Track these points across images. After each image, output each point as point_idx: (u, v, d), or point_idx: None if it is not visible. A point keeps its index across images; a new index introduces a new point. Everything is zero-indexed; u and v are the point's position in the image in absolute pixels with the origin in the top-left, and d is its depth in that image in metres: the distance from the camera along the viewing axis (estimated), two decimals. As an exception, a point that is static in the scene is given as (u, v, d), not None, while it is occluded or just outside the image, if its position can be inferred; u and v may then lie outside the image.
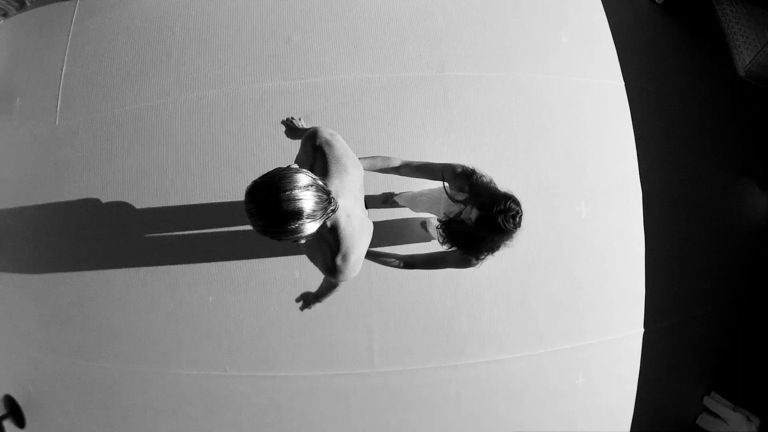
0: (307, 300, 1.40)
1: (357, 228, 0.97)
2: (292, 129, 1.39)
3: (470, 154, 2.18)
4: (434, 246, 1.88)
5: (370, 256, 1.48)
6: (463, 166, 1.22)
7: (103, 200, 2.24)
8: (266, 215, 0.74)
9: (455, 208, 1.22)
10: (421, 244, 2.14)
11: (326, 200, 0.81)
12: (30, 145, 2.39)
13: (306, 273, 2.09)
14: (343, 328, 2.12)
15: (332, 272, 0.96)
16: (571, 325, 2.21)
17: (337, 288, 1.19)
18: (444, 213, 1.30)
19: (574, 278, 2.21)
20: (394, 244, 2.14)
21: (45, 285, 2.28)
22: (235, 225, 2.18)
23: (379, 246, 2.06)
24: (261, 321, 2.13)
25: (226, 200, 2.18)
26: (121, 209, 2.22)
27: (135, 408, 2.20)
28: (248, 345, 2.13)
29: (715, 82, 2.66)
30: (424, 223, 2.07)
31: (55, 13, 2.53)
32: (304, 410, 2.13)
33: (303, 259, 2.11)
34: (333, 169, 1.00)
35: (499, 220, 1.05)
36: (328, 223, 0.92)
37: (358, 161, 1.10)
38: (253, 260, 2.16)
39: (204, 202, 2.18)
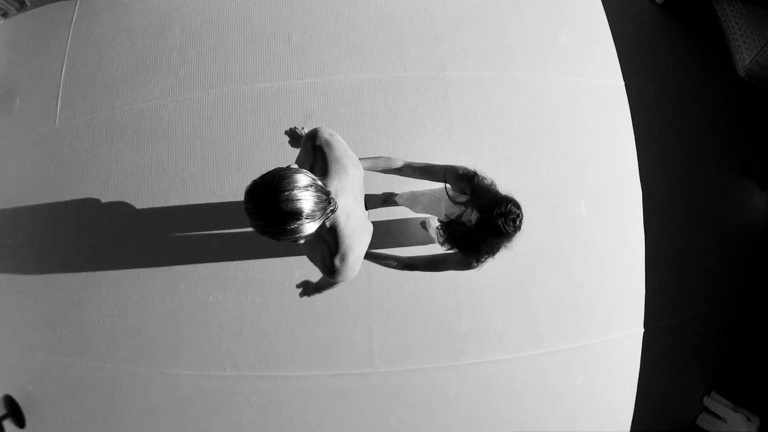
0: (307, 289, 1.42)
1: (356, 228, 0.97)
2: (295, 137, 1.40)
3: (470, 154, 2.18)
4: (434, 248, 1.88)
5: (371, 257, 1.48)
6: (465, 168, 1.23)
7: (103, 200, 2.24)
8: (265, 215, 0.74)
9: (456, 210, 1.23)
10: (422, 245, 2.14)
11: (325, 200, 0.81)
12: (30, 145, 2.39)
13: (306, 273, 2.09)
14: (343, 328, 2.12)
15: (331, 272, 0.97)
16: (571, 325, 2.21)
17: (337, 284, 1.20)
18: (445, 214, 1.30)
19: (574, 278, 2.21)
20: (394, 244, 2.14)
21: (45, 285, 2.28)
22: (236, 225, 2.18)
23: (379, 246, 2.06)
24: (261, 321, 2.13)
25: (226, 200, 2.18)
26: (121, 209, 2.22)
27: (135, 408, 2.20)
28: (248, 345, 2.13)
29: (715, 82, 2.66)
30: (423, 223, 2.07)
31: (55, 13, 2.53)
32: (304, 410, 2.13)
33: (303, 259, 2.11)
34: (333, 169, 1.00)
35: (499, 223, 1.05)
36: (328, 224, 0.92)
37: (358, 161, 1.10)
38: (253, 260, 2.16)
39: (204, 202, 2.18)
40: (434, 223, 1.79)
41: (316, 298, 2.11)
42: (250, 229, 2.09)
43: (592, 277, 2.24)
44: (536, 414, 2.22)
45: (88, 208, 2.25)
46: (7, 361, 2.42)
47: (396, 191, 2.10)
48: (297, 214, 0.75)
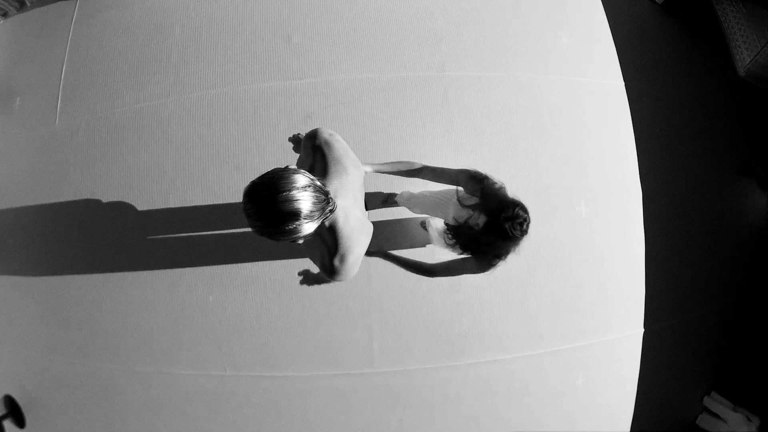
0: (308, 278, 1.43)
1: (355, 228, 0.97)
2: (299, 143, 1.41)
3: (470, 154, 2.18)
4: (434, 249, 1.88)
5: (392, 260, 1.47)
6: (476, 171, 1.25)
7: (103, 200, 2.24)
8: (264, 216, 0.74)
9: (464, 213, 1.24)
10: (422, 245, 2.14)
11: (324, 200, 0.81)
12: (30, 145, 2.39)
13: (306, 273, 2.09)
14: (343, 328, 2.12)
15: (330, 272, 0.97)
16: (571, 325, 2.21)
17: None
18: (453, 217, 1.31)
19: (574, 278, 2.21)
20: (394, 245, 2.13)
21: (45, 285, 2.28)
22: (235, 225, 2.18)
23: (379, 247, 2.06)
24: (261, 321, 2.13)
25: (226, 200, 2.18)
26: (121, 209, 2.22)
27: (135, 408, 2.20)
28: (248, 345, 2.13)
29: (715, 82, 2.66)
30: (423, 223, 2.07)
31: (55, 13, 2.54)
32: (304, 410, 2.13)
33: (303, 260, 2.11)
34: (332, 169, 1.00)
35: (506, 226, 1.07)
36: (327, 223, 0.92)
37: (358, 161, 1.10)
38: (253, 260, 2.16)
39: (204, 203, 2.18)
40: (435, 223, 1.79)
41: (316, 298, 2.12)
42: (250, 229, 2.09)
43: (592, 277, 2.23)
44: (536, 414, 2.22)
45: (88, 208, 2.25)
46: (7, 361, 2.42)
47: (396, 192, 2.10)
48: (295, 215, 0.75)
